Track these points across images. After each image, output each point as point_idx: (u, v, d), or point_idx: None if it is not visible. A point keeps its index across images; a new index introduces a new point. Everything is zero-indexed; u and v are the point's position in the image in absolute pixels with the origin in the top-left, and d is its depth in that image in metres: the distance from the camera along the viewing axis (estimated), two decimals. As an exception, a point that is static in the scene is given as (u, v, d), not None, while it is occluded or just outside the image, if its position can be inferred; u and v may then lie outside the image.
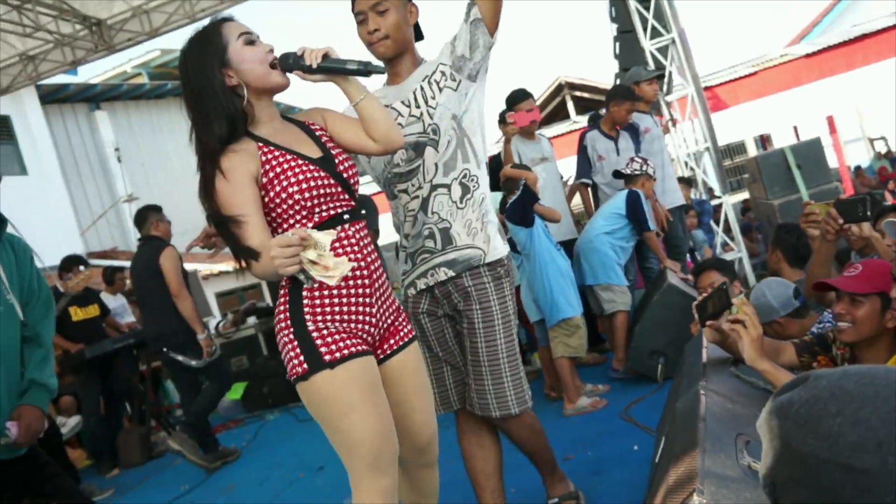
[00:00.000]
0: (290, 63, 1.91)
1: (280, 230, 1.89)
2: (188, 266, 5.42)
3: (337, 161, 1.96)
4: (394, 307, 2.07)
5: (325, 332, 1.87)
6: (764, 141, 15.71)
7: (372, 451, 1.83)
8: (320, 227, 1.87)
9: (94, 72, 21.82)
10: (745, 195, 10.75)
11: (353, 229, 1.93)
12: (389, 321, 2.04)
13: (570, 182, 5.72)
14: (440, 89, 2.30)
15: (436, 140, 2.28)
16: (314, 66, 1.89)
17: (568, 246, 4.74)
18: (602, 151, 5.24)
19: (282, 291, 1.93)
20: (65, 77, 11.14)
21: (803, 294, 2.70)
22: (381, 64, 1.93)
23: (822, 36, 17.33)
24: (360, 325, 1.93)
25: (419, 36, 2.39)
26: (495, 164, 4.57)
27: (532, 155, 4.92)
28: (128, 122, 15.18)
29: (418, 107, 2.30)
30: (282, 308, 1.91)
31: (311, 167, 1.89)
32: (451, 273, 2.32)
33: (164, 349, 4.88)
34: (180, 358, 4.85)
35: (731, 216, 7.37)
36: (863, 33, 15.06)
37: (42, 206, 11.41)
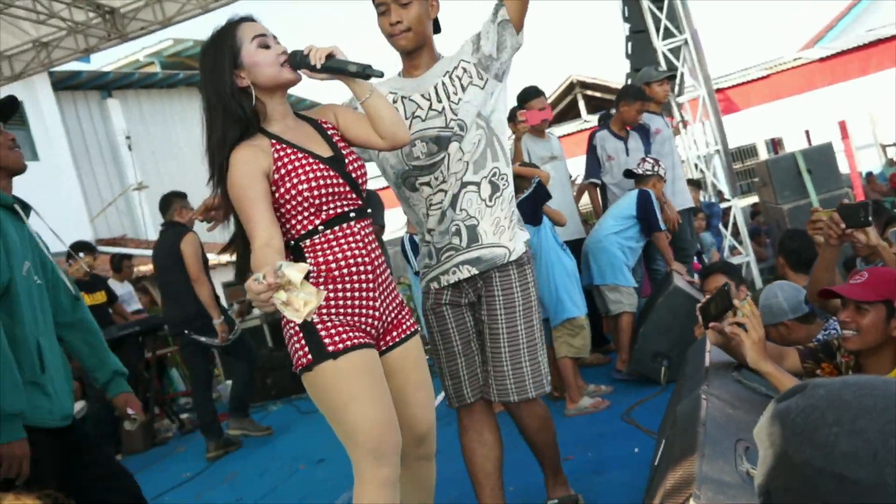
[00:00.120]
0: (298, 61, 1.95)
1: (289, 225, 1.95)
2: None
3: (347, 161, 2.00)
4: (397, 301, 2.11)
5: (329, 324, 1.93)
6: (775, 145, 15.64)
7: (373, 439, 1.87)
8: (327, 224, 1.94)
9: (107, 60, 21.93)
10: (755, 199, 10.70)
11: (358, 226, 1.99)
12: (392, 315, 2.08)
13: (579, 181, 5.71)
14: (463, 86, 2.33)
15: (461, 136, 2.31)
16: (318, 66, 1.93)
17: (575, 245, 4.74)
18: (611, 151, 5.22)
19: None
20: (77, 64, 11.19)
21: (807, 298, 2.70)
22: (381, 69, 1.96)
23: (837, 40, 17.23)
24: (363, 319, 1.98)
25: (436, 29, 2.40)
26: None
27: (542, 153, 4.91)
28: (139, 110, 15.22)
29: (440, 101, 2.33)
30: None
31: (322, 166, 1.94)
32: (475, 271, 2.37)
33: (186, 331, 5.01)
34: (203, 339, 4.99)
35: (739, 220, 7.35)
36: (878, 38, 14.98)
37: (52, 192, 11.45)
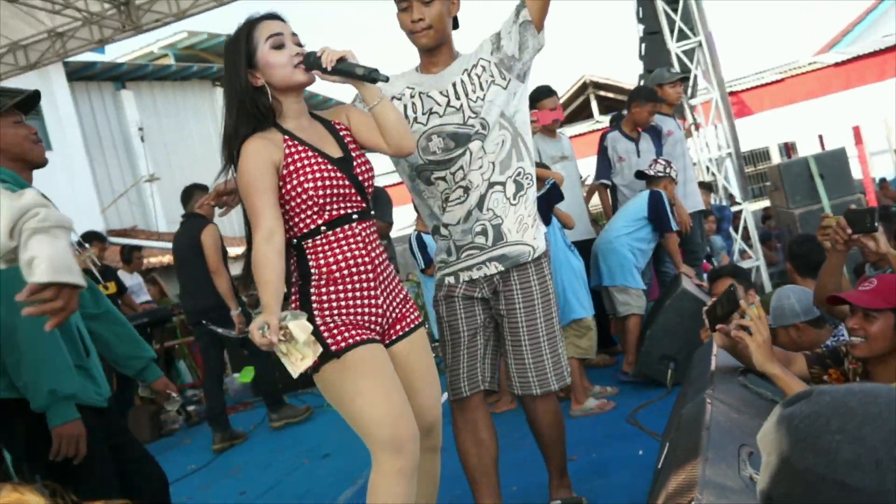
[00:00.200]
0: (311, 62, 1.99)
1: (291, 223, 2.00)
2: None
3: (355, 163, 2.04)
4: (401, 297, 2.14)
5: (331, 325, 1.97)
6: (788, 149, 15.56)
7: (384, 431, 1.90)
8: (329, 224, 1.99)
9: (121, 51, 21.98)
10: (766, 203, 10.65)
11: (359, 227, 2.02)
12: (397, 311, 2.11)
13: (589, 182, 5.69)
14: (482, 85, 2.34)
15: (483, 134, 2.34)
16: (328, 68, 1.96)
17: (583, 246, 4.73)
18: (622, 152, 5.20)
19: (293, 290, 2.03)
20: (92, 55, 11.23)
21: (813, 303, 2.69)
22: (386, 74, 1.99)
23: (853, 45, 17.12)
24: (365, 317, 2.02)
25: (454, 25, 2.42)
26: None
27: (552, 153, 4.90)
28: (152, 102, 15.27)
29: (458, 99, 2.35)
30: (293, 306, 2.02)
31: (330, 167, 1.98)
32: (501, 268, 2.41)
33: (204, 322, 5.06)
34: (220, 330, 5.03)
35: (750, 223, 7.30)
36: (894, 44, 14.85)
37: (65, 182, 11.52)
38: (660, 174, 4.69)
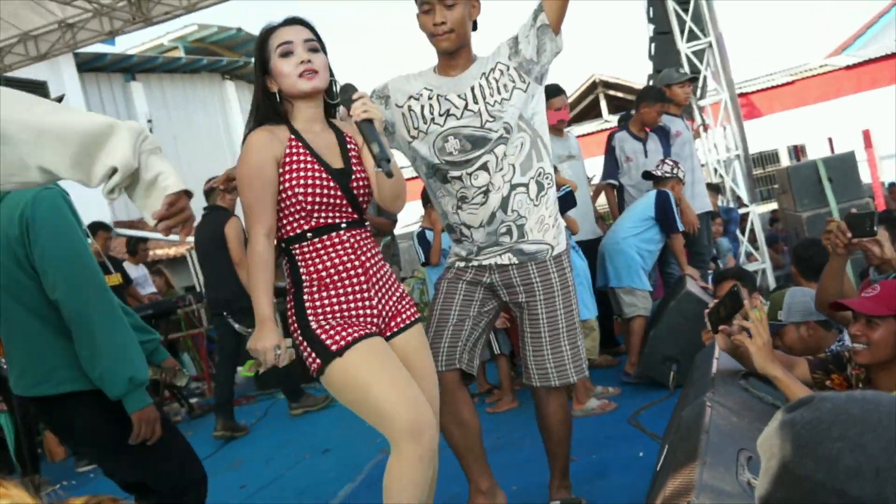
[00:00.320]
0: (344, 98, 2.04)
1: (279, 224, 2.03)
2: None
3: (354, 177, 2.06)
4: (397, 295, 2.16)
5: (326, 326, 1.99)
6: (798, 151, 15.49)
7: (404, 416, 1.90)
8: (315, 231, 2.02)
9: (132, 43, 22.12)
10: (774, 205, 10.60)
11: (347, 234, 2.05)
12: (392, 308, 2.13)
13: (596, 181, 5.67)
14: (500, 88, 2.36)
15: (506, 138, 2.35)
16: (354, 119, 1.98)
17: (589, 246, 4.72)
18: (630, 153, 5.19)
19: (289, 297, 2.07)
20: (102, 47, 11.23)
21: (814, 305, 2.67)
22: (390, 169, 1.93)
23: (864, 49, 17.03)
24: (360, 317, 2.04)
25: (473, 28, 2.42)
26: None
27: (559, 152, 4.88)
28: (162, 94, 15.30)
29: (476, 102, 2.36)
30: (290, 313, 2.06)
31: (325, 175, 2.01)
32: (515, 261, 2.44)
33: (224, 313, 5.13)
34: (236, 326, 5.09)
35: (757, 226, 7.27)
36: (906, 48, 14.77)
37: (72, 172, 11.53)
38: (667, 175, 4.68)
